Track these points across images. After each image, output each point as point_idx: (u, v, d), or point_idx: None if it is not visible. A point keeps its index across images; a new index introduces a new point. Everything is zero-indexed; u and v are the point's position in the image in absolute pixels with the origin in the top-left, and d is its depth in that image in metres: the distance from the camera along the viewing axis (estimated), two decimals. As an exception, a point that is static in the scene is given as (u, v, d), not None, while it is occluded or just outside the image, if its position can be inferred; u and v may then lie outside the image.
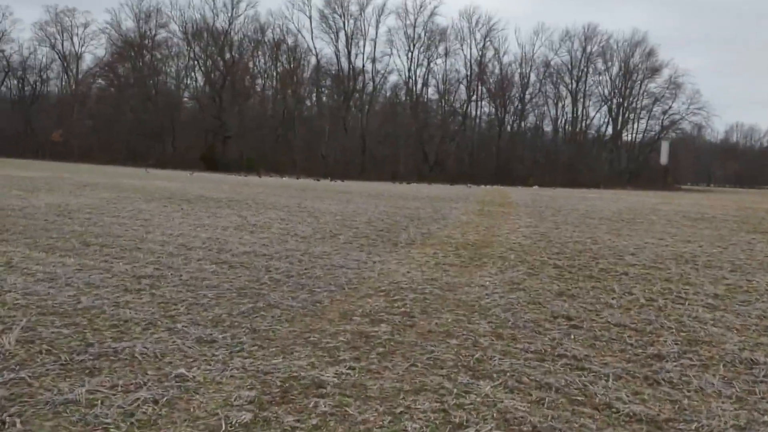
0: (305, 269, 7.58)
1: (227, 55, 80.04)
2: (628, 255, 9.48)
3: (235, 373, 3.89)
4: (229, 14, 78.27)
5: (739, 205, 26.02)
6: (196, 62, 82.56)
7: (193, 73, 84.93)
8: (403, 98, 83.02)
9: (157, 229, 11.21)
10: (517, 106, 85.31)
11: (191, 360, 4.13)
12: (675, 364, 4.25)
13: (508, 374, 3.97)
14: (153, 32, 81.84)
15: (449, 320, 5.35)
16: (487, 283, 6.93)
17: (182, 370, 3.89)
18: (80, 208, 14.17)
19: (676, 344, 4.70)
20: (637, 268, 8.15)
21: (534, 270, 7.85)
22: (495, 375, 3.95)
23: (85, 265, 7.47)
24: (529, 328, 5.12)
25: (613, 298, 6.24)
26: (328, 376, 3.83)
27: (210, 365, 4.02)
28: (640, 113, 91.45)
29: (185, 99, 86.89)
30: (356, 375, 3.89)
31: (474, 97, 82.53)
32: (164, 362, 4.08)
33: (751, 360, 4.31)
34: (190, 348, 4.38)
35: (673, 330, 5.11)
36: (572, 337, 4.88)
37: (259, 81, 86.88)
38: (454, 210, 18.00)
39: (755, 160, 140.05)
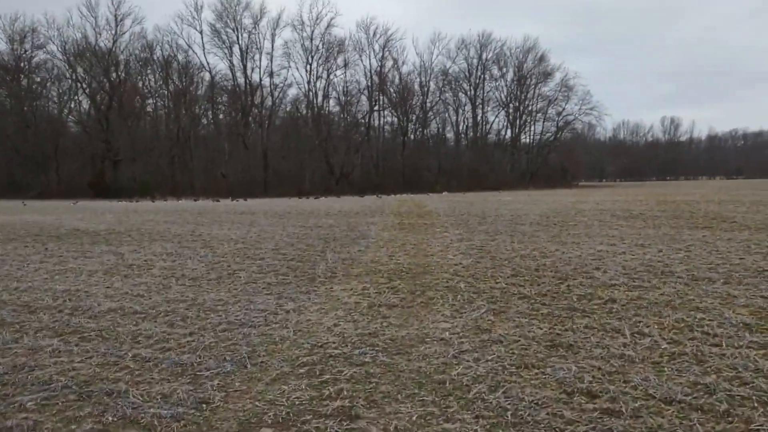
0: (189, 335, 5.37)
1: (113, 75, 74.70)
2: (593, 270, 7.89)
3: None
4: (113, 32, 73.00)
5: (655, 199, 25.80)
6: (79, 84, 76.49)
7: (77, 96, 78.70)
8: (304, 111, 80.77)
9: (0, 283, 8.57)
10: (419, 114, 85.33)
11: None
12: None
13: None
14: (29, 54, 75.07)
15: (414, 417, 3.37)
16: (447, 334, 5.01)
17: None
18: None
19: (784, 434, 2.96)
20: (621, 290, 6.49)
21: (498, 305, 6.02)
22: None
23: None
24: (544, 423, 3.23)
25: (626, 345, 4.48)
26: None
27: None
28: (536, 116, 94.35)
29: (70, 124, 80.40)
30: None
31: (376, 108, 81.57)
32: None
33: None
34: None
35: (753, 401, 3.39)
36: (618, 436, 3.03)
37: (150, 101, 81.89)
38: (372, 226, 16.10)
39: (641, 155, 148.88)
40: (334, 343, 4.90)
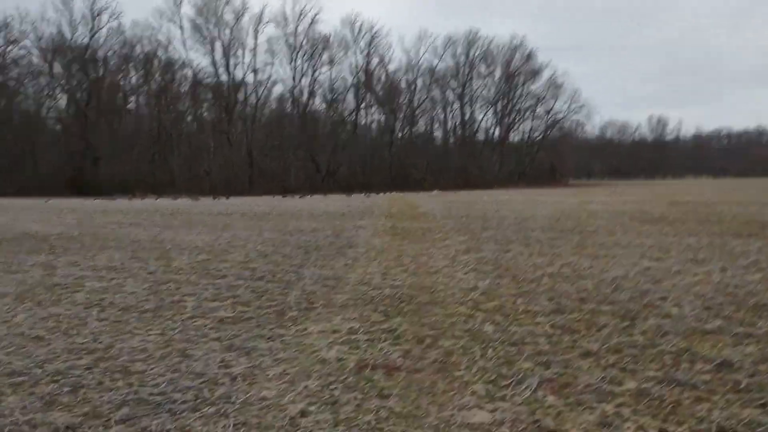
0: (64, 426, 3.28)
1: (91, 72, 71.83)
2: (659, 300, 5.88)
3: None
4: (90, 27, 70.12)
5: (665, 200, 23.98)
6: (56, 80, 73.40)
7: (54, 93, 75.51)
8: (290, 109, 78.40)
9: None
10: (407, 112, 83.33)
11: None
12: None
13: None
14: (3, 49, 71.78)
15: None
16: (493, 440, 2.97)
17: None
18: None
19: None
20: (727, 342, 4.44)
21: (554, 370, 3.97)
22: None
23: None
24: None
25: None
26: None
27: None
28: (524, 114, 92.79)
29: (50, 120, 77.31)
30: None
31: (363, 105, 79.39)
32: None
33: None
34: None
35: None
36: None
37: (132, 98, 79.01)
38: (361, 230, 14.03)
39: (628, 154, 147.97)
40: (298, 460, 2.83)
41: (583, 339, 4.61)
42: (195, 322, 5.63)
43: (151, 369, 4.26)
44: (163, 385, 3.92)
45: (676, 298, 5.97)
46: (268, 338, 4.98)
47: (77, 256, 10.59)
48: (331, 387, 3.78)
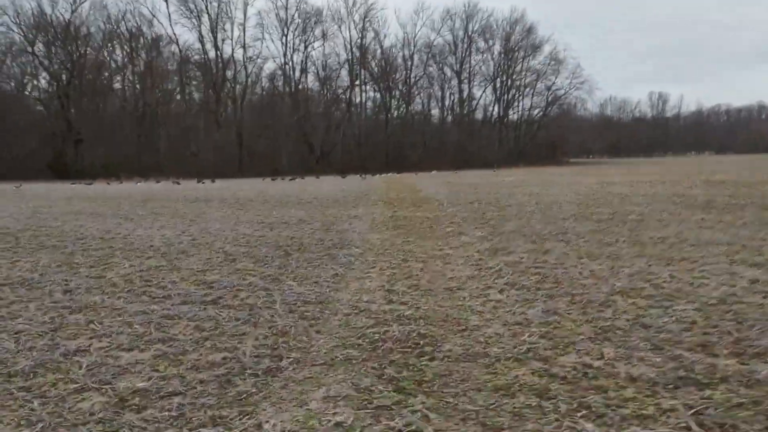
0: None
1: (74, 50, 68.78)
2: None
3: None
4: (71, 0, 67.01)
5: (697, 180, 21.76)
6: (36, 57, 70.25)
7: (36, 72, 72.39)
8: (281, 87, 75.62)
9: None
10: (403, 90, 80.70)
11: None
12: None
13: None
14: (-20, 27, 68.49)
15: None
16: None
17: None
18: None
19: None
20: None
21: None
22: None
23: None
24: None
25: None
26: None
27: None
28: (524, 91, 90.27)
29: (32, 101, 74.31)
30: None
31: (357, 83, 76.64)
32: None
33: None
34: None
35: None
36: None
37: (118, 77, 75.98)
38: (357, 222, 11.75)
39: (629, 131, 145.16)
40: None
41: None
42: (79, 402, 3.36)
43: None
44: None
45: None
46: (188, 454, 2.72)
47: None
48: None
